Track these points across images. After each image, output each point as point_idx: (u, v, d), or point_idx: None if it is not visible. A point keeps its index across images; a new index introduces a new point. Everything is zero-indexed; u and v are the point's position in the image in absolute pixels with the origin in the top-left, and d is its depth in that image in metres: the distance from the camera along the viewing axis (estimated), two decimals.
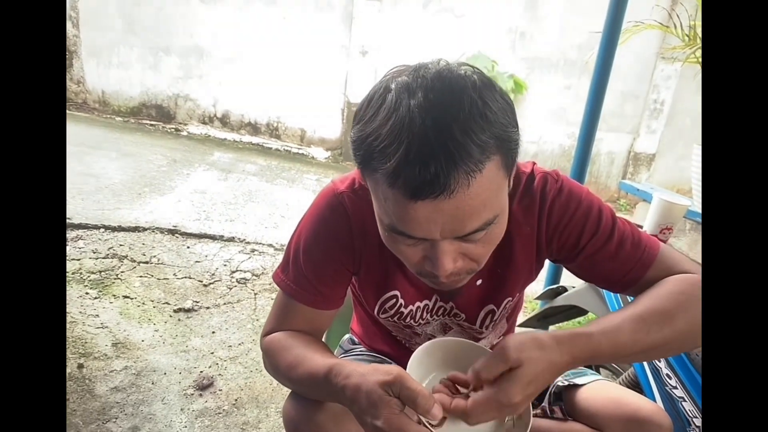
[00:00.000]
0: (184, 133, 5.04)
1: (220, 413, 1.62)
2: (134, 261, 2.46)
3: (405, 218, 0.60)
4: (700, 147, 1.76)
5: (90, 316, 1.99)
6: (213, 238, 2.84)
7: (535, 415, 0.88)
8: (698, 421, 1.02)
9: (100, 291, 2.17)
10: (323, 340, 0.90)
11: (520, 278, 0.84)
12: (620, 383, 1.30)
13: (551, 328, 1.87)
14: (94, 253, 2.46)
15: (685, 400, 1.06)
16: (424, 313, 0.87)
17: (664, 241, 1.37)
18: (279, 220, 3.27)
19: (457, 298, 0.85)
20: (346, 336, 1.08)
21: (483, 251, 0.66)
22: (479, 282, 0.82)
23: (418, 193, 0.56)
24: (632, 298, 0.76)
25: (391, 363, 0.95)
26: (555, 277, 1.93)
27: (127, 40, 4.97)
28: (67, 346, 1.80)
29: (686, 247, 1.98)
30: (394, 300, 0.85)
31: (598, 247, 0.77)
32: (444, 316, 0.88)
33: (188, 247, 2.70)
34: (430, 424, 0.60)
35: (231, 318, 2.15)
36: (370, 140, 0.59)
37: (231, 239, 2.85)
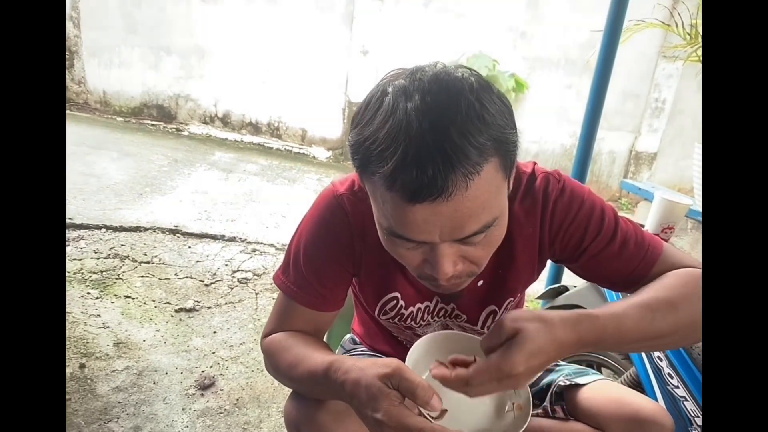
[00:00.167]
0: (185, 133, 5.05)
1: (221, 413, 1.62)
2: (135, 261, 2.46)
3: (403, 221, 0.59)
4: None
5: (91, 316, 1.99)
6: (214, 237, 2.84)
7: (537, 415, 0.88)
8: (700, 421, 1.02)
9: (102, 291, 2.17)
10: (324, 340, 0.90)
11: (522, 278, 0.84)
12: (622, 383, 1.30)
13: None
14: (96, 253, 2.46)
15: (687, 400, 1.06)
16: (425, 315, 0.86)
17: (666, 240, 1.37)
18: (280, 219, 3.27)
19: (458, 300, 0.85)
20: (348, 336, 1.08)
21: (483, 254, 0.66)
22: (480, 283, 0.82)
23: (416, 196, 0.56)
24: None
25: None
26: (556, 276, 1.92)
27: (128, 40, 4.97)
28: (68, 346, 1.80)
29: (688, 246, 1.97)
30: (395, 302, 0.85)
31: (601, 247, 0.77)
32: (445, 318, 0.88)
33: (189, 247, 2.70)
34: (430, 416, 0.60)
35: (232, 318, 2.15)
36: (367, 144, 0.59)
37: (232, 239, 2.85)
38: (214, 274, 2.48)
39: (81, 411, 1.53)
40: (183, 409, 1.61)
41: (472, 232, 0.60)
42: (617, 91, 4.67)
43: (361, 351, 1.02)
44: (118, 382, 1.68)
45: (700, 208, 1.71)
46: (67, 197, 2.96)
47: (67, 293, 2.11)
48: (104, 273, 2.30)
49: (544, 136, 5.02)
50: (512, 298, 0.86)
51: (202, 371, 1.79)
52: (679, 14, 2.19)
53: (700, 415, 1.02)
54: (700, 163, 1.77)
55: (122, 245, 2.58)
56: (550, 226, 0.78)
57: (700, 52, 2.08)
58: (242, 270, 2.55)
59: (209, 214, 3.13)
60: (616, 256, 0.76)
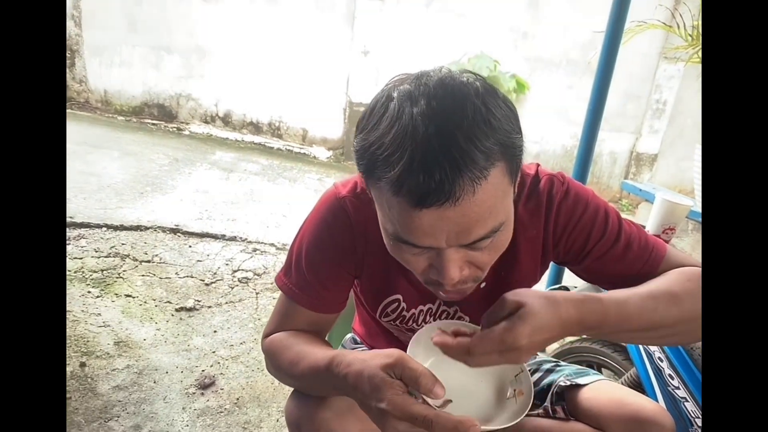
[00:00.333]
0: (186, 133, 5.05)
1: (221, 412, 1.62)
2: (136, 260, 2.46)
3: (410, 227, 0.59)
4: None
5: (92, 314, 1.99)
6: (215, 237, 2.85)
7: (538, 415, 0.88)
8: (701, 422, 1.02)
9: (102, 290, 2.17)
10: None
11: (525, 281, 0.84)
12: (622, 383, 1.30)
13: None
14: (97, 252, 2.46)
15: (687, 401, 1.06)
16: (427, 317, 0.86)
17: (667, 242, 1.37)
18: (281, 219, 3.27)
19: (461, 302, 0.85)
20: (348, 335, 1.08)
21: (489, 259, 0.66)
22: (483, 285, 0.82)
23: (423, 201, 0.56)
24: None
25: None
26: (557, 277, 1.92)
27: (130, 39, 4.98)
28: (69, 345, 1.80)
29: (689, 247, 1.97)
30: (396, 304, 0.85)
31: (605, 249, 0.77)
32: (447, 320, 0.88)
33: (190, 246, 2.71)
34: (433, 404, 0.60)
35: (233, 317, 2.15)
36: (373, 149, 0.59)
37: (233, 238, 2.86)
38: (215, 273, 2.48)
39: (81, 409, 1.53)
40: (183, 408, 1.61)
41: (478, 237, 0.60)
42: (618, 92, 4.67)
43: (362, 351, 1.02)
44: (119, 380, 1.68)
45: (700, 209, 1.71)
46: (68, 196, 2.96)
47: (68, 292, 2.11)
48: (105, 272, 2.31)
49: (545, 137, 5.03)
50: None
51: (203, 370, 1.79)
52: (680, 15, 2.19)
53: (700, 416, 1.02)
54: (701, 164, 1.77)
55: (123, 244, 2.58)
56: (554, 228, 0.78)
57: (701, 54, 2.08)
58: (243, 269, 2.56)
59: (210, 214, 3.14)
60: (620, 258, 0.77)
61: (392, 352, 0.61)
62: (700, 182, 1.80)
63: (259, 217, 3.24)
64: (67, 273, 2.24)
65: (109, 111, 5.13)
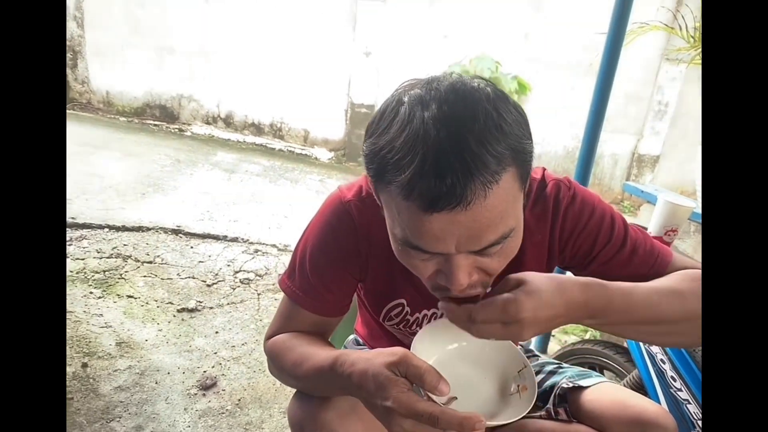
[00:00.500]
0: (188, 134, 5.06)
1: (223, 413, 1.62)
2: (138, 261, 2.47)
3: (420, 232, 0.58)
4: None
5: (94, 315, 2.00)
6: (216, 238, 2.85)
7: (540, 417, 0.88)
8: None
9: (104, 290, 2.17)
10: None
11: None
12: (624, 386, 1.30)
13: (554, 330, 1.86)
14: (98, 252, 2.47)
15: (689, 403, 1.05)
16: (431, 321, 0.86)
17: (669, 243, 1.37)
18: (282, 220, 3.27)
19: None
20: (351, 337, 1.08)
21: (498, 265, 0.65)
22: (488, 290, 0.82)
23: (434, 205, 0.55)
24: None
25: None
26: None
27: (132, 40, 4.99)
28: (71, 346, 1.80)
29: (691, 249, 1.97)
30: (400, 308, 0.85)
31: (611, 254, 0.77)
32: None
33: (192, 247, 2.71)
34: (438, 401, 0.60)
35: (234, 318, 2.15)
36: (383, 153, 0.58)
37: (234, 239, 2.86)
38: (216, 274, 2.48)
39: (83, 410, 1.54)
40: (185, 409, 1.61)
41: (489, 242, 0.59)
42: (620, 94, 4.66)
43: (363, 351, 1.02)
44: (121, 381, 1.68)
45: (701, 211, 1.71)
46: (70, 197, 2.97)
47: (70, 293, 2.11)
48: (107, 273, 2.31)
49: (546, 138, 5.02)
50: None
51: (204, 371, 1.79)
52: (682, 17, 2.19)
53: None
54: (701, 166, 1.77)
55: (125, 245, 2.59)
56: (560, 233, 0.78)
57: (701, 55, 2.08)
58: (244, 270, 2.56)
59: (211, 215, 3.14)
60: (626, 263, 0.77)
61: (396, 350, 0.61)
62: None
63: (261, 218, 3.24)
64: (69, 274, 2.24)
65: (111, 112, 5.14)
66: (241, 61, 5.02)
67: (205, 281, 2.40)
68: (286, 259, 2.74)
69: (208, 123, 5.24)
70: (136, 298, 2.16)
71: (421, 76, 0.64)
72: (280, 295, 0.86)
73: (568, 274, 0.86)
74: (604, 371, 1.50)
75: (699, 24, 2.16)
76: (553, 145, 5.04)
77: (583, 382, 0.86)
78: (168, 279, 2.36)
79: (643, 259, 0.77)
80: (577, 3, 4.63)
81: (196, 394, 1.68)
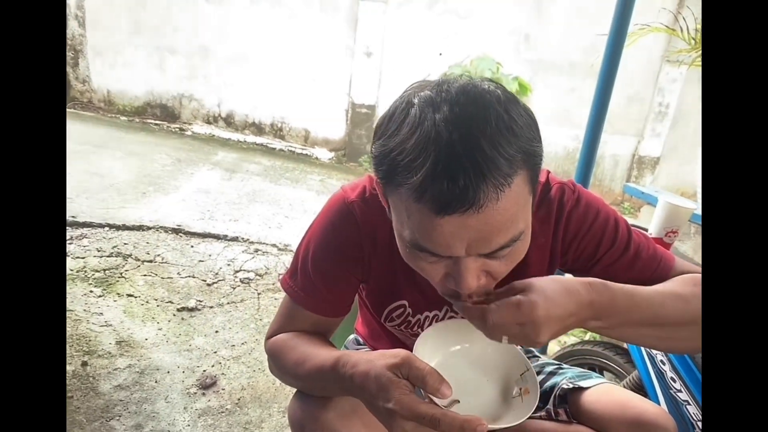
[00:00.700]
0: (189, 133, 5.06)
1: (222, 412, 1.62)
2: (138, 260, 2.47)
3: (430, 234, 0.58)
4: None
5: (94, 314, 2.00)
6: (217, 237, 2.85)
7: (540, 417, 0.88)
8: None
9: (104, 289, 2.18)
10: None
11: None
12: (624, 386, 1.30)
13: None
14: (99, 251, 2.47)
15: (689, 404, 1.06)
16: (433, 323, 0.86)
17: (670, 244, 1.37)
18: (282, 220, 3.27)
19: None
20: (351, 336, 1.08)
21: (505, 269, 0.65)
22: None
23: (446, 207, 0.55)
24: None
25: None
26: None
27: (133, 40, 4.99)
28: (71, 344, 1.80)
29: (691, 250, 1.97)
30: (402, 309, 0.85)
31: (614, 258, 0.77)
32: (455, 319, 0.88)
33: (192, 247, 2.71)
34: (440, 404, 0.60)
35: (234, 317, 2.15)
36: (394, 155, 0.58)
37: (235, 239, 2.86)
38: (217, 273, 2.48)
39: (83, 409, 1.54)
40: (184, 408, 1.61)
41: (499, 245, 0.59)
42: (621, 95, 4.67)
43: (365, 352, 1.02)
44: (120, 380, 1.68)
45: (701, 213, 1.71)
46: (71, 196, 2.97)
47: (70, 291, 2.11)
48: (107, 271, 2.31)
49: (547, 139, 4.90)
50: None
51: (204, 370, 1.79)
52: (684, 19, 2.19)
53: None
54: (701, 168, 1.77)
55: (125, 244, 2.59)
56: (563, 236, 0.78)
57: (702, 57, 2.08)
58: (244, 270, 2.56)
59: (212, 214, 3.14)
60: (629, 267, 0.77)
61: (398, 352, 0.61)
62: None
63: (261, 217, 3.24)
64: (69, 272, 2.24)
65: (112, 111, 5.14)
66: (242, 61, 5.02)
67: (205, 280, 2.40)
68: (286, 258, 2.74)
69: (208, 122, 5.24)
70: (136, 297, 2.16)
71: (424, 77, 0.64)
72: (280, 295, 0.86)
73: (568, 276, 0.86)
74: (604, 372, 1.50)
75: (700, 26, 2.16)
76: (554, 147, 5.04)
77: (583, 383, 0.86)
78: (168, 278, 2.36)
79: (645, 263, 0.77)
80: (578, 4, 4.63)
81: (195, 393, 1.68)
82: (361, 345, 1.04)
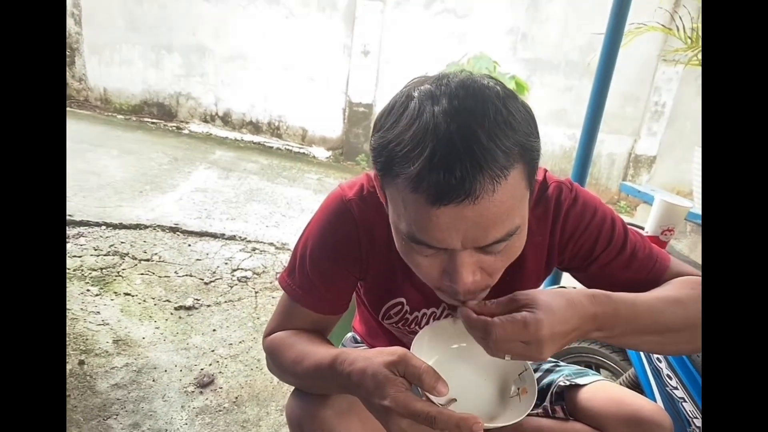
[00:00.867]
0: (186, 132, 5.05)
1: (220, 411, 1.62)
2: (135, 258, 2.46)
3: (426, 226, 0.58)
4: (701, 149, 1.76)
5: (91, 313, 1.99)
6: (214, 236, 2.85)
7: (537, 415, 0.88)
8: (699, 422, 1.02)
9: (102, 288, 2.17)
10: None
11: (528, 286, 0.84)
12: (621, 384, 1.31)
13: None
14: (96, 250, 2.46)
15: (685, 401, 1.06)
16: (431, 320, 0.86)
17: (666, 243, 1.38)
18: (280, 218, 3.27)
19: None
20: (349, 334, 1.09)
21: (501, 265, 0.65)
22: (486, 292, 0.82)
23: (443, 198, 0.55)
24: None
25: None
26: (556, 279, 1.93)
27: (130, 37, 4.97)
28: (68, 343, 1.80)
29: (687, 249, 1.98)
30: (400, 306, 0.85)
31: (611, 257, 0.77)
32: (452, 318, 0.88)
33: (189, 245, 2.71)
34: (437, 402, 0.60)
35: (232, 316, 2.15)
36: (392, 146, 0.58)
37: (232, 237, 2.86)
38: (214, 272, 2.48)
39: (80, 407, 1.53)
40: (182, 407, 1.61)
41: (495, 239, 0.59)
42: (617, 94, 4.68)
43: (363, 349, 1.02)
44: (118, 379, 1.68)
45: (699, 211, 1.72)
46: (68, 194, 2.96)
47: (67, 290, 2.11)
48: (104, 270, 2.30)
49: (543, 138, 4.94)
50: None
51: (202, 369, 1.79)
52: (680, 18, 2.19)
53: (698, 416, 1.03)
54: (700, 167, 1.78)
55: (122, 243, 2.58)
56: (561, 234, 0.78)
57: (700, 56, 2.09)
58: (242, 268, 2.56)
59: (209, 213, 3.14)
60: (625, 266, 0.77)
61: (396, 350, 0.61)
62: (699, 184, 1.81)
63: (259, 216, 3.24)
64: (66, 271, 2.23)
65: (109, 109, 5.12)
66: (239, 59, 5.01)
67: (202, 279, 2.39)
68: (283, 257, 2.74)
69: (205, 121, 5.23)
70: (133, 296, 2.16)
71: (422, 74, 0.64)
72: (278, 294, 0.86)
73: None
74: (601, 370, 1.50)
75: (696, 25, 2.17)
76: (551, 145, 5.05)
77: (580, 380, 0.87)
78: (165, 277, 2.36)
79: (642, 262, 0.77)
80: (574, 4, 4.64)
81: (193, 391, 1.68)
82: (358, 343, 1.04)
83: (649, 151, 5.06)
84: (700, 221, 1.76)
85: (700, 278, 0.75)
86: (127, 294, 2.16)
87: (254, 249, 2.78)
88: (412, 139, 0.56)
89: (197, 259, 2.57)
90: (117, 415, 1.53)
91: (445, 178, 0.54)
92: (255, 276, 2.51)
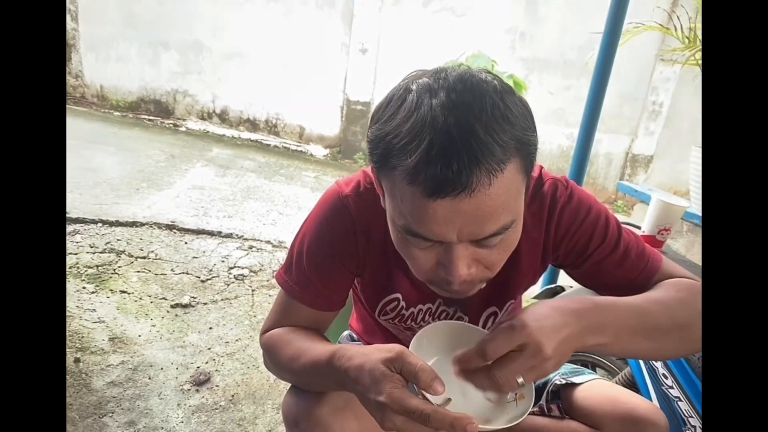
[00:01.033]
0: (183, 129, 5.03)
1: (216, 409, 1.62)
2: (132, 256, 2.45)
3: (422, 218, 0.58)
4: (699, 149, 1.77)
5: (87, 310, 1.99)
6: (211, 234, 2.84)
7: (533, 413, 0.88)
8: (694, 421, 1.03)
9: (98, 286, 2.16)
10: None
11: (524, 282, 0.85)
12: (617, 382, 1.31)
13: None
14: (92, 247, 2.45)
15: (681, 400, 1.07)
16: (426, 316, 0.87)
17: (662, 242, 1.38)
18: (277, 216, 3.27)
19: (461, 302, 0.85)
20: (345, 333, 1.09)
21: (498, 258, 0.65)
22: (483, 285, 0.82)
23: (439, 190, 0.55)
24: None
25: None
26: (553, 276, 1.93)
27: (126, 34, 4.95)
28: None
29: (683, 248, 1.99)
30: (396, 302, 0.85)
31: (604, 255, 0.78)
32: (446, 320, 0.88)
33: (186, 243, 2.70)
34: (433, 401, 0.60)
35: (228, 314, 2.15)
36: (389, 138, 0.58)
37: (229, 235, 2.85)
38: (211, 270, 2.47)
39: (76, 405, 1.53)
40: (178, 405, 1.61)
41: (491, 232, 0.60)
42: (615, 94, 4.68)
43: (361, 346, 1.02)
44: (113, 376, 1.67)
45: (695, 211, 1.72)
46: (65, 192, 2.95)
47: (65, 288, 2.10)
48: (100, 268, 2.30)
49: (541, 137, 4.94)
50: (512, 300, 0.87)
51: (198, 367, 1.79)
52: (677, 17, 2.20)
53: (693, 416, 1.03)
54: (696, 166, 1.79)
55: (118, 240, 2.57)
56: (555, 231, 0.78)
57: (698, 56, 2.09)
58: (238, 266, 2.55)
59: (206, 210, 3.13)
60: (618, 264, 0.78)
61: (393, 347, 0.61)
62: (695, 184, 1.81)
63: (256, 214, 3.24)
64: None
65: (105, 106, 5.10)
66: (236, 57, 5.00)
67: (199, 277, 2.39)
68: (280, 255, 2.73)
69: (203, 118, 5.21)
70: (129, 294, 2.15)
71: (410, 69, 0.65)
72: (275, 292, 0.86)
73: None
74: (597, 369, 1.51)
75: (694, 25, 2.17)
76: (548, 144, 5.06)
77: (575, 379, 0.87)
78: (162, 274, 2.35)
79: (634, 262, 0.78)
80: (572, 3, 4.65)
81: (189, 389, 1.68)
82: (355, 341, 1.04)
83: (646, 150, 5.08)
84: (696, 221, 1.77)
85: (689, 281, 0.75)
86: (123, 292, 2.16)
87: (251, 247, 2.78)
88: (409, 131, 0.57)
89: (194, 257, 2.56)
90: (113, 413, 1.53)
91: (442, 171, 0.55)
92: (252, 274, 2.51)
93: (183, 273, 2.40)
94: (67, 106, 4.88)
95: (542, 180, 0.79)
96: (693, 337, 0.70)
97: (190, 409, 1.60)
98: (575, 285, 1.49)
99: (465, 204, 0.56)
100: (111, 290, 2.15)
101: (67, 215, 2.67)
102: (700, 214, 1.79)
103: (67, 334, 1.83)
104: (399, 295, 0.84)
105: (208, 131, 5.08)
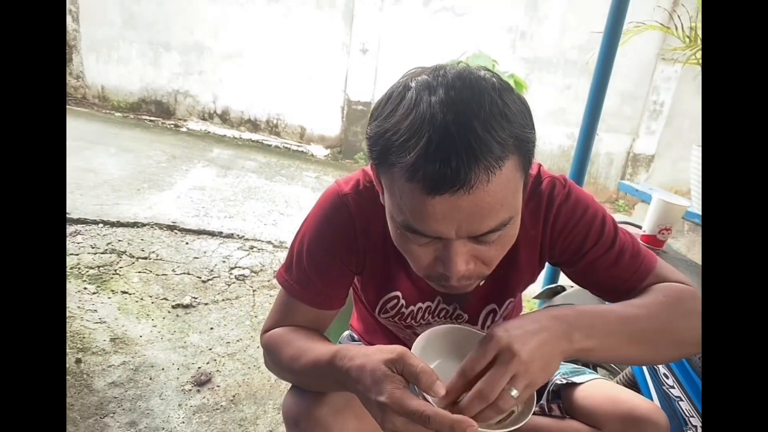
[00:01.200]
0: (184, 129, 5.04)
1: (217, 409, 1.62)
2: (133, 256, 2.46)
3: (421, 215, 0.59)
4: (699, 148, 1.77)
5: (88, 311, 1.99)
6: (212, 234, 2.84)
7: (534, 413, 0.88)
8: (695, 421, 1.03)
9: (99, 286, 2.17)
10: None
11: (523, 280, 0.85)
12: (617, 382, 1.31)
13: None
14: (93, 248, 2.46)
15: (681, 400, 1.06)
16: (426, 315, 0.87)
17: (663, 241, 1.38)
18: (278, 217, 3.27)
19: (460, 300, 0.85)
20: (346, 332, 1.09)
21: (495, 254, 0.66)
22: (482, 283, 0.82)
23: (437, 187, 0.56)
24: None
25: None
26: (553, 276, 1.93)
27: (127, 35, 4.96)
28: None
29: (684, 248, 1.98)
30: (396, 300, 0.85)
31: (600, 254, 0.78)
32: (446, 318, 0.88)
33: (187, 243, 2.70)
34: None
35: (229, 314, 2.15)
36: (388, 135, 0.59)
37: (230, 236, 2.85)
38: (212, 270, 2.47)
39: (77, 406, 1.53)
40: (179, 405, 1.61)
41: (489, 228, 0.60)
42: (616, 93, 4.68)
43: (363, 346, 1.02)
44: (115, 377, 1.68)
45: (696, 210, 1.72)
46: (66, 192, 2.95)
47: (66, 289, 2.10)
48: (101, 268, 2.30)
49: (542, 137, 5.03)
50: (512, 299, 0.87)
51: (199, 367, 1.79)
52: (678, 17, 2.19)
53: (694, 415, 1.03)
54: (697, 166, 1.79)
55: (119, 241, 2.58)
56: (552, 228, 0.79)
57: (699, 55, 2.08)
58: (240, 267, 2.55)
59: (207, 211, 3.13)
60: (612, 264, 0.78)
61: (395, 348, 0.61)
62: (696, 183, 1.81)
63: (256, 214, 3.24)
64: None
65: (106, 107, 5.11)
66: (237, 57, 5.00)
67: (200, 277, 2.39)
68: (281, 255, 2.73)
69: (204, 119, 5.22)
70: (130, 294, 2.16)
71: (407, 64, 0.65)
72: (275, 292, 0.86)
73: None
74: (597, 368, 1.51)
75: (695, 24, 2.17)
76: (549, 144, 5.06)
77: (576, 379, 0.87)
78: (163, 275, 2.35)
79: (628, 262, 0.78)
80: (573, 2, 4.64)
81: (190, 390, 1.68)
82: (356, 341, 1.04)
83: (647, 150, 5.07)
84: (697, 220, 1.76)
85: (679, 286, 0.76)
86: (124, 292, 2.16)
87: (252, 247, 2.78)
88: (408, 128, 0.57)
89: (195, 258, 2.57)
90: (114, 413, 1.53)
91: (440, 167, 0.55)
92: (253, 274, 2.51)
93: (184, 273, 2.40)
94: (68, 107, 4.89)
95: (540, 178, 0.80)
96: (681, 341, 0.70)
97: (191, 409, 1.60)
98: (575, 285, 1.48)
99: (463, 201, 0.57)
100: (112, 291, 2.15)
101: (69, 216, 2.67)
102: (701, 213, 1.79)
103: (68, 334, 1.83)
104: (399, 293, 0.84)
105: (209, 132, 5.09)
